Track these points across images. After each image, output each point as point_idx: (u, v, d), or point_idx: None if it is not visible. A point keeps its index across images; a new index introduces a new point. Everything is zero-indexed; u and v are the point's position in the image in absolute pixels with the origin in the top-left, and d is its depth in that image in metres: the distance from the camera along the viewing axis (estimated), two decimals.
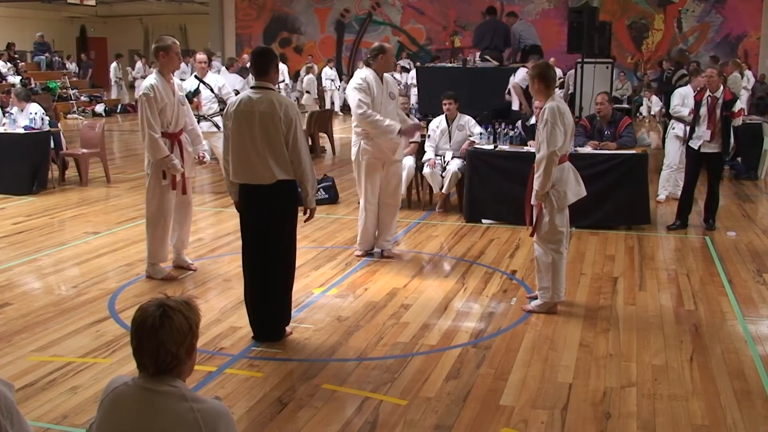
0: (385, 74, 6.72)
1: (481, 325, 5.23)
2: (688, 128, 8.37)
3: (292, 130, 4.71)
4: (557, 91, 5.55)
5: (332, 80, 22.09)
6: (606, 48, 12.47)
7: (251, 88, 4.93)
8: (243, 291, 4.98)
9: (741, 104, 11.64)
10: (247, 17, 25.31)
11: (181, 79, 9.19)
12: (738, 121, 8.11)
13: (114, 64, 23.64)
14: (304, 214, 4.97)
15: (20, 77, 20.52)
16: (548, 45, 12.29)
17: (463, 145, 8.78)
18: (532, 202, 5.42)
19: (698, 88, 8.43)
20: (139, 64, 23.14)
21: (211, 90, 9.76)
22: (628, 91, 20.18)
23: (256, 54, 4.96)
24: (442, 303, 5.66)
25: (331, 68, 22.34)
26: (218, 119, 9.82)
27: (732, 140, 7.96)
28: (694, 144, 8.00)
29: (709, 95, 7.84)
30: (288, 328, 5.01)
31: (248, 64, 15.83)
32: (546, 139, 5.19)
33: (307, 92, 19.05)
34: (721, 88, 7.89)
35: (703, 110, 7.85)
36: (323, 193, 9.22)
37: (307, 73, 19.68)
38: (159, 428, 2.15)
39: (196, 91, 9.63)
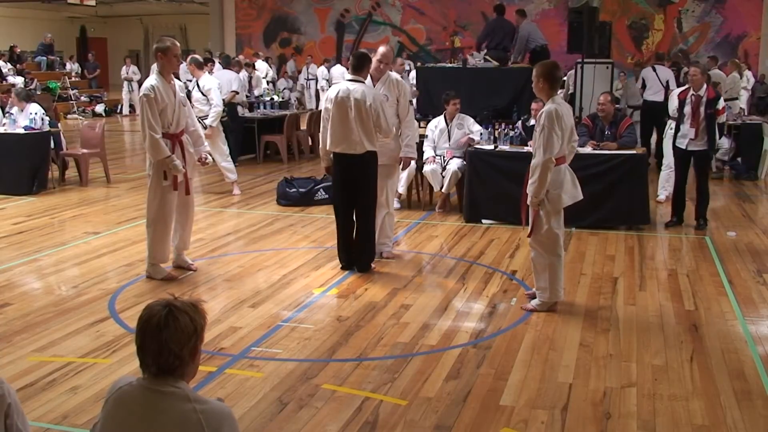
0: (389, 75, 6.68)
1: (481, 325, 5.23)
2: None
3: (382, 116, 6.17)
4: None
5: (328, 80, 22.05)
6: (606, 48, 12.45)
7: (348, 80, 6.24)
8: (336, 233, 6.49)
9: (741, 104, 11.60)
10: (247, 17, 25.28)
11: (188, 80, 9.13)
12: (722, 119, 8.18)
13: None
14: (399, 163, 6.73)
15: (23, 78, 20.48)
16: (548, 45, 12.26)
17: (462, 139, 8.76)
18: (528, 203, 5.42)
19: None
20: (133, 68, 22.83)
21: (202, 93, 9.68)
22: None
23: (357, 56, 6.33)
24: (442, 303, 5.67)
25: (328, 69, 22.28)
26: (210, 121, 9.72)
27: (717, 137, 8.05)
28: (681, 143, 8.11)
29: (693, 94, 7.94)
30: (373, 264, 6.44)
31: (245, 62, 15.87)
32: (542, 145, 5.16)
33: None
34: (705, 86, 7.97)
35: (687, 109, 7.98)
36: (323, 193, 9.20)
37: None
38: (162, 429, 2.15)
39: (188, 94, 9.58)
